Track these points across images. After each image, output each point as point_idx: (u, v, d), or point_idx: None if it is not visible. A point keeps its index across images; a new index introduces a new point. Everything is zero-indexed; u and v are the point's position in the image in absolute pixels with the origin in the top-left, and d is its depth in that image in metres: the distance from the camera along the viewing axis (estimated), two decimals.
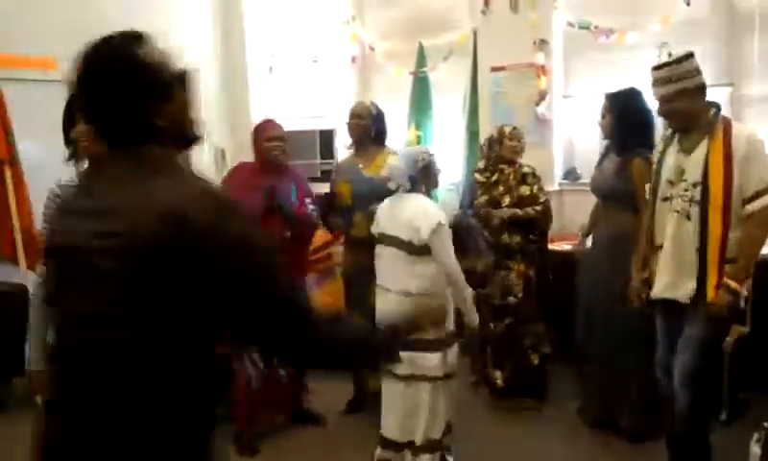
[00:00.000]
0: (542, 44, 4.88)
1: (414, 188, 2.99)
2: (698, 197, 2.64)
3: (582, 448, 3.53)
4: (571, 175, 4.99)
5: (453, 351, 3.00)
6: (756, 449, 2.81)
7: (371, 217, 3.26)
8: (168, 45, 1.38)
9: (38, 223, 4.90)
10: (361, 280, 3.65)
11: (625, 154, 3.40)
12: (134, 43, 1.33)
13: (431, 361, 2.89)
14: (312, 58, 6.19)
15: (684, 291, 2.72)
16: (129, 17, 6.29)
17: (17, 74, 4.95)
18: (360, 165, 3.81)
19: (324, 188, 4.08)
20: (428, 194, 3.07)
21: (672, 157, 2.78)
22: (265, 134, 3.60)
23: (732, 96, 4.29)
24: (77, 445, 1.27)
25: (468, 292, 2.94)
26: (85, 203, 1.34)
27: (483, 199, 3.94)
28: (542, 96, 4.91)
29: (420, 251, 2.87)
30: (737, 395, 3.47)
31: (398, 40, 5.79)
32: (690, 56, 2.69)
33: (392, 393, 3.03)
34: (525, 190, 3.92)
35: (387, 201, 3.10)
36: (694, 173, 2.68)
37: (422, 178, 3.01)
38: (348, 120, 3.88)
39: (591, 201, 3.71)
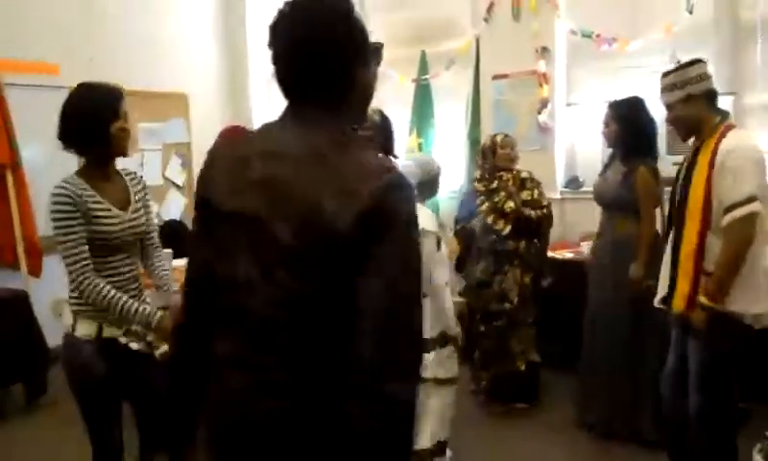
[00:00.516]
0: (544, 52, 4.88)
1: (417, 196, 2.98)
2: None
3: (580, 456, 3.52)
4: (573, 183, 4.99)
5: (448, 351, 2.97)
6: (758, 459, 2.79)
7: None
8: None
9: (41, 228, 4.94)
10: None
11: (629, 162, 3.39)
12: (349, 5, 1.31)
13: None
14: None
15: (658, 297, 2.77)
16: (132, 26, 6.40)
17: (20, 79, 4.96)
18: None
19: None
20: (423, 202, 3.05)
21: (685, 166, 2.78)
22: None
23: (735, 105, 4.28)
24: (254, 358, 1.31)
25: (443, 302, 2.88)
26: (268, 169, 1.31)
27: (485, 206, 3.93)
28: (544, 104, 4.91)
29: None
30: (739, 405, 3.45)
31: (401, 48, 5.79)
32: (697, 61, 2.68)
33: None
34: (527, 195, 3.91)
35: None
36: (683, 181, 2.70)
37: (426, 187, 3.03)
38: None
39: (593, 209, 3.70)
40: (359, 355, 1.20)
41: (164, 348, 2.39)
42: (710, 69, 2.71)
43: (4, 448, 3.85)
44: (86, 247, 2.26)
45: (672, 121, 2.74)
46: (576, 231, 4.69)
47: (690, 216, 2.61)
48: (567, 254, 4.39)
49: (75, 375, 2.41)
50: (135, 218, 2.43)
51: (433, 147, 5.42)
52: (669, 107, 2.71)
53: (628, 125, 3.42)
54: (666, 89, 2.70)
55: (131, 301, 2.30)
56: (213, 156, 1.44)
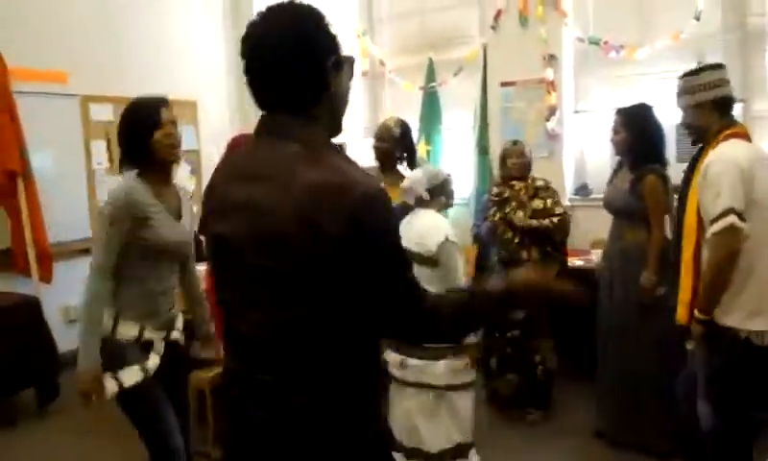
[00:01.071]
0: (552, 60, 4.89)
1: (429, 203, 3.02)
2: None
3: None
4: (582, 190, 4.99)
5: (462, 361, 2.99)
6: None
7: None
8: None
9: (51, 235, 4.98)
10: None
11: (638, 170, 3.39)
12: (320, 14, 1.36)
13: (434, 369, 2.90)
14: None
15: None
16: (141, 34, 6.43)
17: (30, 87, 5.00)
18: (382, 185, 3.69)
19: None
20: (439, 211, 3.09)
21: None
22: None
23: (744, 112, 4.27)
24: (256, 416, 1.36)
25: None
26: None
27: (497, 216, 3.94)
28: (552, 111, 4.91)
29: (427, 262, 2.90)
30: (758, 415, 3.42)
31: (408, 55, 5.82)
32: (711, 67, 2.67)
33: (397, 397, 3.06)
34: (538, 204, 3.87)
35: (409, 216, 3.13)
36: (680, 191, 2.71)
37: (439, 193, 3.04)
38: (373, 141, 3.79)
39: (603, 216, 3.68)
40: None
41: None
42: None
43: (16, 454, 3.87)
44: (116, 255, 2.32)
45: (684, 126, 2.74)
46: (586, 239, 4.69)
47: (687, 228, 2.62)
48: (577, 262, 4.38)
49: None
50: (186, 229, 2.50)
51: (441, 154, 5.43)
52: (683, 111, 2.71)
53: (637, 132, 3.40)
54: (678, 94, 2.70)
55: (94, 333, 2.34)
56: (214, 174, 1.49)
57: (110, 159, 5.55)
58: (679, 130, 4.25)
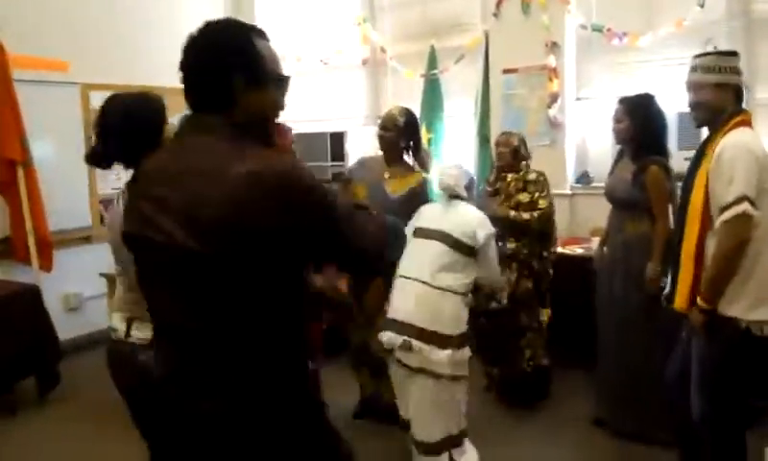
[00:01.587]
0: (554, 47, 4.85)
1: (465, 198, 3.21)
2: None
3: (592, 453, 3.51)
4: (584, 178, 4.96)
5: (463, 354, 3.01)
6: None
7: None
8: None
9: (51, 223, 4.97)
10: (359, 286, 3.71)
11: (640, 160, 3.36)
12: (254, 30, 1.47)
13: (438, 356, 2.92)
14: (323, 60, 6.20)
15: (665, 292, 2.78)
16: (142, 22, 6.42)
17: (31, 75, 4.98)
18: (387, 176, 3.64)
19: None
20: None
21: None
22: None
23: (748, 100, 4.23)
24: (186, 367, 1.42)
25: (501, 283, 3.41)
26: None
27: (489, 209, 3.91)
28: (554, 99, 4.88)
29: (465, 250, 3.03)
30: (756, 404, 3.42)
31: (410, 43, 5.78)
32: (736, 54, 2.65)
33: (400, 381, 3.11)
34: (524, 197, 3.81)
35: (437, 204, 3.26)
36: (685, 178, 2.69)
37: (470, 189, 3.26)
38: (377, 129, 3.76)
39: (604, 204, 3.67)
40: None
41: None
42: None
43: (17, 441, 3.88)
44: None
45: (696, 104, 2.65)
46: (586, 227, 4.67)
47: (692, 215, 2.59)
48: (578, 250, 4.37)
49: (132, 378, 2.40)
50: None
51: (442, 142, 5.41)
52: (698, 87, 2.63)
53: (640, 121, 3.38)
54: (702, 69, 2.61)
55: None
56: (132, 191, 1.58)
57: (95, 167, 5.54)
58: (682, 118, 4.25)
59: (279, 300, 1.40)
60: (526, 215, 3.75)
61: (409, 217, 3.29)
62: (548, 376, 4.04)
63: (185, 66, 1.45)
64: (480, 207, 3.46)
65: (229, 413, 1.37)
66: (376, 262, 1.66)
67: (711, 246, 2.52)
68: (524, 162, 3.93)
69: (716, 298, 2.49)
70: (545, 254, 3.88)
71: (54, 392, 4.37)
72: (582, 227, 4.76)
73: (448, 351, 2.92)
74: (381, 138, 3.68)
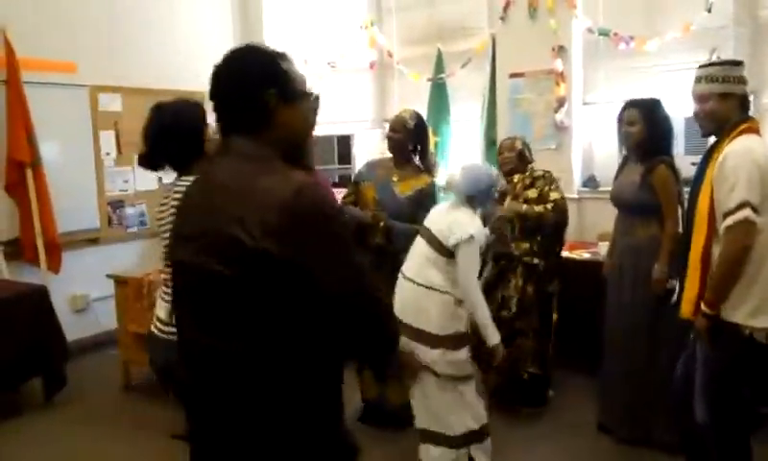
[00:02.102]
0: (561, 51, 4.86)
1: (470, 203, 3.06)
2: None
3: (599, 459, 3.50)
4: (590, 182, 4.96)
5: (458, 355, 2.99)
6: None
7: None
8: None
9: (60, 224, 5.00)
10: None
11: (649, 162, 3.36)
12: (278, 53, 1.52)
13: (428, 355, 2.91)
14: (330, 63, 6.22)
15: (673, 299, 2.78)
16: (150, 26, 6.43)
17: (39, 77, 5.02)
18: (395, 178, 3.66)
19: (340, 194, 4.04)
20: (476, 210, 3.10)
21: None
22: None
23: (754, 104, 4.22)
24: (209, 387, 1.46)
25: (481, 311, 2.94)
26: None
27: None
28: (561, 103, 4.88)
29: (445, 252, 2.95)
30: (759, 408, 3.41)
31: (417, 46, 5.79)
32: (741, 63, 2.66)
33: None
34: (532, 193, 3.79)
35: (446, 203, 3.17)
36: (692, 185, 2.69)
37: (482, 199, 3.07)
38: (387, 131, 3.77)
39: (611, 208, 3.66)
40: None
41: None
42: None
43: (22, 442, 3.89)
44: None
45: (702, 114, 2.66)
46: (594, 231, 4.67)
47: (699, 223, 2.60)
48: (585, 255, 4.36)
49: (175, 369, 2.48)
50: None
51: (449, 146, 5.41)
52: (703, 98, 2.64)
53: (653, 125, 3.38)
54: (707, 80, 2.63)
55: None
56: (187, 193, 1.62)
57: (119, 149, 5.57)
58: (689, 122, 4.24)
59: (305, 329, 1.39)
60: (539, 208, 3.71)
61: (415, 217, 3.31)
62: (544, 384, 3.97)
63: (216, 92, 1.49)
64: (489, 214, 3.49)
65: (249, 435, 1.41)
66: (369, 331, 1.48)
67: (716, 252, 2.52)
68: (530, 165, 3.93)
69: (719, 303, 2.50)
70: (558, 249, 3.87)
71: (60, 393, 4.38)
72: (589, 231, 4.75)
73: (439, 351, 2.91)
74: (390, 140, 3.72)
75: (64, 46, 5.22)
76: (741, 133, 2.54)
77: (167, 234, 2.22)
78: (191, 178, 2.36)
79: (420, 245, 3.05)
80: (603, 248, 4.03)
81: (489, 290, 3.65)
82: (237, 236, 1.31)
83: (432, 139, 5.32)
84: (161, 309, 2.52)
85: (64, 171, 5.21)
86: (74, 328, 5.06)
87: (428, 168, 3.74)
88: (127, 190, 5.72)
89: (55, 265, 5.03)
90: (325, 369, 1.46)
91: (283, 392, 1.39)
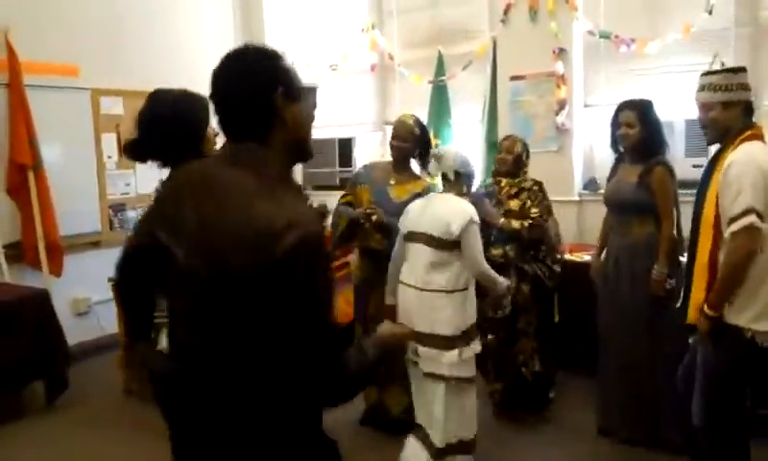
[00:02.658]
0: (562, 53, 4.86)
1: (451, 186, 3.09)
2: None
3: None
4: (591, 185, 4.96)
5: (472, 350, 3.02)
6: None
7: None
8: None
9: (62, 228, 5.01)
10: (363, 291, 3.75)
11: (646, 163, 3.37)
12: (274, 53, 1.50)
13: (447, 358, 2.92)
14: (332, 66, 6.23)
15: (677, 305, 2.78)
16: (151, 30, 6.45)
17: (41, 81, 5.03)
18: (392, 182, 3.67)
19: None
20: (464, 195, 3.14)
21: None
22: None
23: (755, 108, 4.22)
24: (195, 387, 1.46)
25: (494, 276, 3.04)
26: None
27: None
28: (562, 105, 4.89)
29: (448, 246, 2.95)
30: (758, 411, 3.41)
31: (418, 49, 5.80)
32: (743, 70, 2.68)
33: (416, 382, 3.12)
34: (515, 204, 3.77)
35: (419, 201, 3.19)
36: (698, 191, 2.71)
37: (463, 182, 3.11)
38: (390, 139, 3.73)
39: None
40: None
41: None
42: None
43: (24, 444, 3.90)
44: None
45: (705, 122, 2.69)
46: (594, 234, 4.65)
47: (704, 229, 2.62)
48: (585, 257, 4.36)
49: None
50: None
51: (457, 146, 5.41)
52: (706, 106, 2.67)
53: (650, 126, 3.41)
54: (709, 88, 2.65)
55: None
56: (167, 186, 1.61)
57: (120, 153, 5.58)
58: (689, 124, 4.25)
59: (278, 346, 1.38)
60: (516, 224, 3.69)
61: None
62: (547, 382, 3.95)
63: (219, 96, 1.47)
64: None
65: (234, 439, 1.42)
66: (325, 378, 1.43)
67: (722, 258, 2.55)
68: (524, 170, 3.90)
69: (721, 305, 2.52)
70: (540, 256, 3.81)
71: (62, 397, 4.38)
72: (589, 233, 4.75)
73: (455, 352, 2.93)
74: (398, 149, 3.69)
75: (66, 49, 5.23)
76: (745, 140, 2.57)
77: None
78: None
79: (417, 251, 3.04)
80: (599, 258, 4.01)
81: (483, 292, 3.64)
82: (228, 257, 1.33)
83: (433, 142, 5.34)
84: None
85: (66, 174, 5.22)
86: (76, 332, 5.06)
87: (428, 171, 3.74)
88: (128, 193, 5.72)
89: (56, 268, 5.04)
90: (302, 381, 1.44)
91: (260, 395, 1.40)
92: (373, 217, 3.55)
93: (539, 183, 3.85)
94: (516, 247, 3.73)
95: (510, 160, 3.85)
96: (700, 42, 4.36)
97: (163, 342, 2.39)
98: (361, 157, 6.07)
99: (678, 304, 2.80)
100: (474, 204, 3.62)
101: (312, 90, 1.52)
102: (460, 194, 3.09)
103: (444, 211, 2.97)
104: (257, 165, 1.41)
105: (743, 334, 2.49)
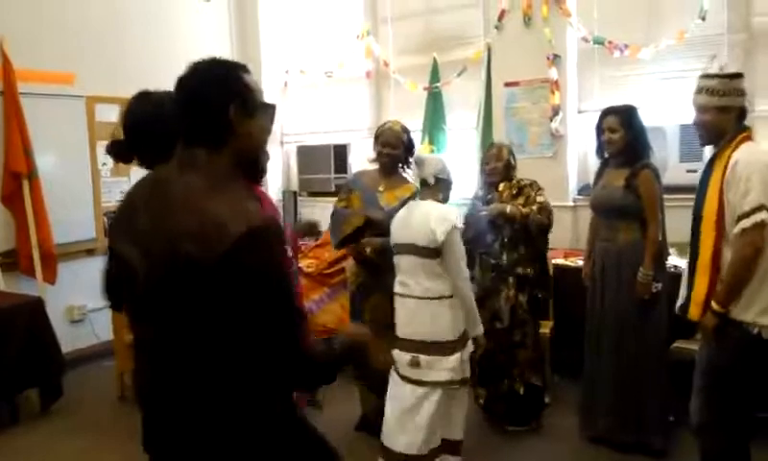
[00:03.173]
0: (556, 59, 4.88)
1: (429, 192, 3.08)
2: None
3: None
4: (585, 190, 4.96)
5: (468, 351, 3.04)
6: None
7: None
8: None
9: (56, 235, 5.00)
10: (359, 297, 3.74)
11: (632, 167, 3.40)
12: (239, 66, 1.55)
13: (449, 363, 2.93)
14: (327, 73, 6.24)
15: (678, 304, 2.79)
16: (147, 36, 6.45)
17: (36, 89, 5.03)
18: (381, 188, 3.69)
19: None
20: (444, 201, 3.14)
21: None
22: None
23: (748, 113, 4.24)
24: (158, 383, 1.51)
25: (470, 300, 3.01)
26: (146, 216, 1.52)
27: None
28: (556, 111, 4.90)
29: (434, 254, 2.95)
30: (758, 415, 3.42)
31: (413, 56, 5.81)
32: (741, 76, 2.72)
33: (398, 393, 3.07)
34: (520, 202, 3.71)
35: (401, 212, 3.17)
36: (697, 191, 2.73)
37: (441, 188, 3.11)
38: (379, 147, 3.71)
39: None
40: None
41: None
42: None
43: (18, 452, 3.89)
44: None
45: (700, 124, 2.73)
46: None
47: (705, 227, 2.65)
48: (580, 262, 4.36)
49: None
50: None
51: (444, 154, 5.42)
52: (703, 109, 2.70)
53: (634, 131, 3.45)
54: (707, 92, 2.68)
55: None
56: (123, 202, 1.63)
57: (114, 160, 5.56)
58: (683, 129, 4.26)
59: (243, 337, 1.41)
60: (525, 209, 3.64)
61: None
62: (539, 401, 3.87)
63: (178, 101, 1.51)
64: (473, 221, 3.57)
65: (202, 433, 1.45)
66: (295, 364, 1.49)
67: (728, 254, 2.58)
68: (514, 173, 3.88)
69: (731, 301, 2.55)
70: (546, 252, 3.81)
71: (56, 404, 4.37)
72: (584, 239, 4.74)
73: (456, 355, 2.94)
74: (388, 156, 3.69)
75: (61, 57, 5.24)
76: (741, 142, 2.61)
77: None
78: None
79: (408, 261, 3.03)
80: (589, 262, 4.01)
81: (482, 301, 3.57)
82: (180, 252, 1.36)
83: (428, 148, 5.35)
84: None
85: (61, 182, 5.22)
86: (70, 339, 5.05)
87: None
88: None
89: (50, 276, 5.03)
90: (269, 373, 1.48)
91: (227, 383, 1.43)
92: (367, 250, 3.58)
93: (534, 181, 3.83)
94: (526, 249, 3.70)
95: (501, 168, 3.82)
96: (694, 48, 4.39)
97: None
98: (356, 164, 6.07)
99: (680, 303, 2.80)
100: (470, 224, 3.65)
101: (271, 108, 1.52)
102: (437, 200, 3.08)
103: (427, 219, 2.96)
104: (205, 168, 1.45)
105: (749, 330, 2.52)
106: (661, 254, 3.41)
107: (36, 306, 4.36)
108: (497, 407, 3.86)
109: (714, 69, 4.07)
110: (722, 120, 2.65)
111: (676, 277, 3.16)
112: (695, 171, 3.28)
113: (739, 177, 2.52)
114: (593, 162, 5.03)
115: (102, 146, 5.52)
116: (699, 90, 2.72)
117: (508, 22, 5.10)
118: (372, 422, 3.83)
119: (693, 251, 2.72)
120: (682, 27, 4.38)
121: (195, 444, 1.46)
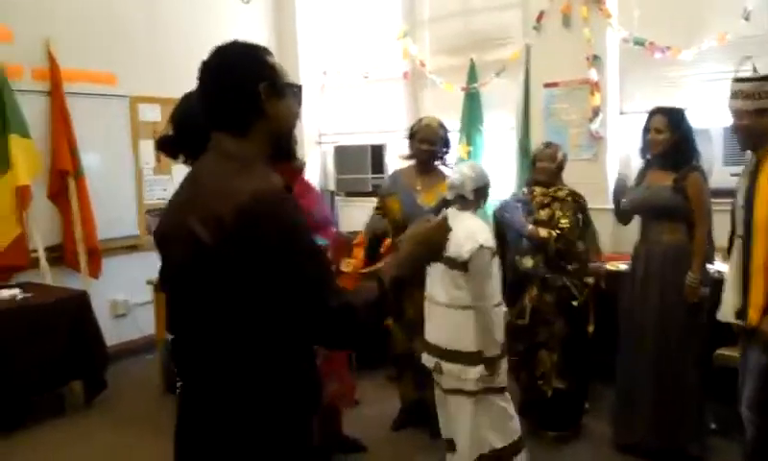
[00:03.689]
0: (596, 60, 4.82)
1: (469, 204, 3.07)
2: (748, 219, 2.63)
3: None
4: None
5: (497, 367, 2.99)
6: None
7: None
8: None
9: (100, 232, 5.13)
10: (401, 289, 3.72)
11: (679, 169, 3.35)
12: (261, 48, 1.53)
13: (468, 374, 2.91)
14: (364, 73, 6.27)
15: (728, 310, 2.74)
16: (188, 38, 6.54)
17: (81, 88, 5.16)
18: (418, 187, 3.71)
19: (374, 203, 4.04)
20: (476, 211, 3.13)
21: (743, 181, 2.73)
22: None
23: None
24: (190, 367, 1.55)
25: (487, 322, 2.93)
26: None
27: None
28: (596, 113, 4.85)
29: (459, 266, 2.94)
30: None
31: (450, 56, 5.81)
32: None
33: (439, 401, 3.15)
34: (545, 214, 3.63)
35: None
36: (746, 195, 2.67)
37: (480, 196, 3.10)
38: (417, 143, 3.74)
39: None
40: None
41: None
42: None
43: (63, 443, 3.99)
44: None
45: (738, 129, 2.69)
46: (629, 242, 4.59)
47: (758, 230, 2.59)
48: (621, 266, 4.30)
49: None
50: None
51: (482, 155, 5.41)
52: (739, 114, 2.66)
53: (682, 132, 3.39)
54: (741, 96, 2.65)
55: None
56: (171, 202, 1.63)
57: (158, 158, 5.68)
58: (727, 133, 4.18)
59: (263, 319, 1.41)
60: (543, 233, 3.56)
61: None
62: (576, 400, 3.79)
63: (204, 86, 1.51)
64: (508, 219, 3.56)
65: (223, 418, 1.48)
66: (339, 332, 1.46)
67: None
68: (560, 178, 3.81)
69: None
70: (570, 268, 3.65)
71: (100, 396, 4.48)
72: (625, 242, 4.67)
73: (479, 368, 2.91)
74: (427, 152, 3.73)
75: (105, 58, 5.36)
76: None
77: None
78: None
79: (436, 267, 3.00)
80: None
81: (512, 298, 3.60)
82: (197, 233, 1.38)
83: (465, 149, 5.35)
84: None
85: (105, 180, 5.35)
86: (114, 333, 5.17)
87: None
88: (165, 198, 5.79)
89: (95, 271, 5.16)
90: (290, 352, 1.48)
91: (247, 374, 1.43)
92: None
93: (576, 195, 3.72)
94: (543, 258, 3.62)
95: (553, 168, 3.73)
96: (736, 49, 4.29)
97: None
98: (393, 164, 6.09)
99: (737, 308, 2.74)
100: (504, 210, 3.61)
101: (297, 88, 1.53)
102: (475, 210, 3.08)
103: (463, 232, 2.92)
104: (235, 153, 1.45)
105: None
106: (709, 259, 3.35)
107: (82, 300, 4.47)
108: (532, 411, 3.80)
109: (749, 70, 3.97)
110: (761, 123, 2.61)
111: (718, 282, 3.11)
112: (739, 175, 3.22)
113: None
114: (636, 165, 4.98)
115: (144, 145, 5.65)
116: (734, 95, 2.68)
117: (547, 22, 5.07)
118: (413, 417, 3.84)
119: (746, 256, 2.67)
120: (724, 28, 4.29)
121: (226, 415, 1.46)
